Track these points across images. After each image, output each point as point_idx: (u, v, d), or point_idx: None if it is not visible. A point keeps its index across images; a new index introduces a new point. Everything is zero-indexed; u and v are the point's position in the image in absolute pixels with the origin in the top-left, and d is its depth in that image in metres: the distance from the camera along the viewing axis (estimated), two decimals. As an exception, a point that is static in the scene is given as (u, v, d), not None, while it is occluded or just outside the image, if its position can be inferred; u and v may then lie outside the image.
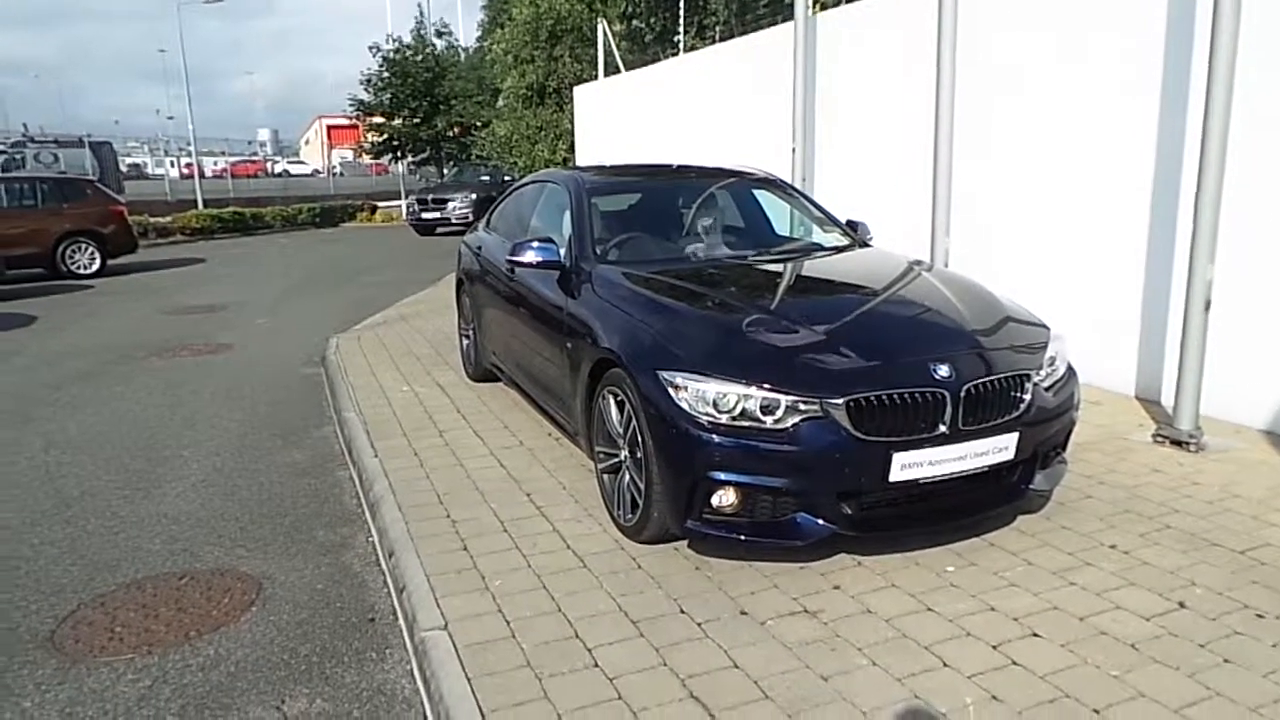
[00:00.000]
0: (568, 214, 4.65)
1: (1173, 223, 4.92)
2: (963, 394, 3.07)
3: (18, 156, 25.44)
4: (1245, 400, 4.64)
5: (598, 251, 4.34)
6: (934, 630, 2.78)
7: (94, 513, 4.28)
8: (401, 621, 3.12)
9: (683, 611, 2.93)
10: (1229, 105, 4.07)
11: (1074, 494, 3.82)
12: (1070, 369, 3.61)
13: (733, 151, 8.31)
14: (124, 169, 33.47)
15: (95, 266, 14.35)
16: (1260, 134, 4.42)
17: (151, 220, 21.37)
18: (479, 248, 5.93)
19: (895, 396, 3.02)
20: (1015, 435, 3.18)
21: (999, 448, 3.16)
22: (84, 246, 14.27)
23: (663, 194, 5.17)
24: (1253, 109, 4.38)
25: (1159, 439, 4.49)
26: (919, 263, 4.44)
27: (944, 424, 3.05)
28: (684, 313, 3.60)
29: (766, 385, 3.03)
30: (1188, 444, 4.36)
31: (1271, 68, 4.36)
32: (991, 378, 3.16)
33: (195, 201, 26.19)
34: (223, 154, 47.61)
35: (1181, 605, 2.89)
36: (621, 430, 3.49)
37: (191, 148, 29.92)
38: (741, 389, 3.03)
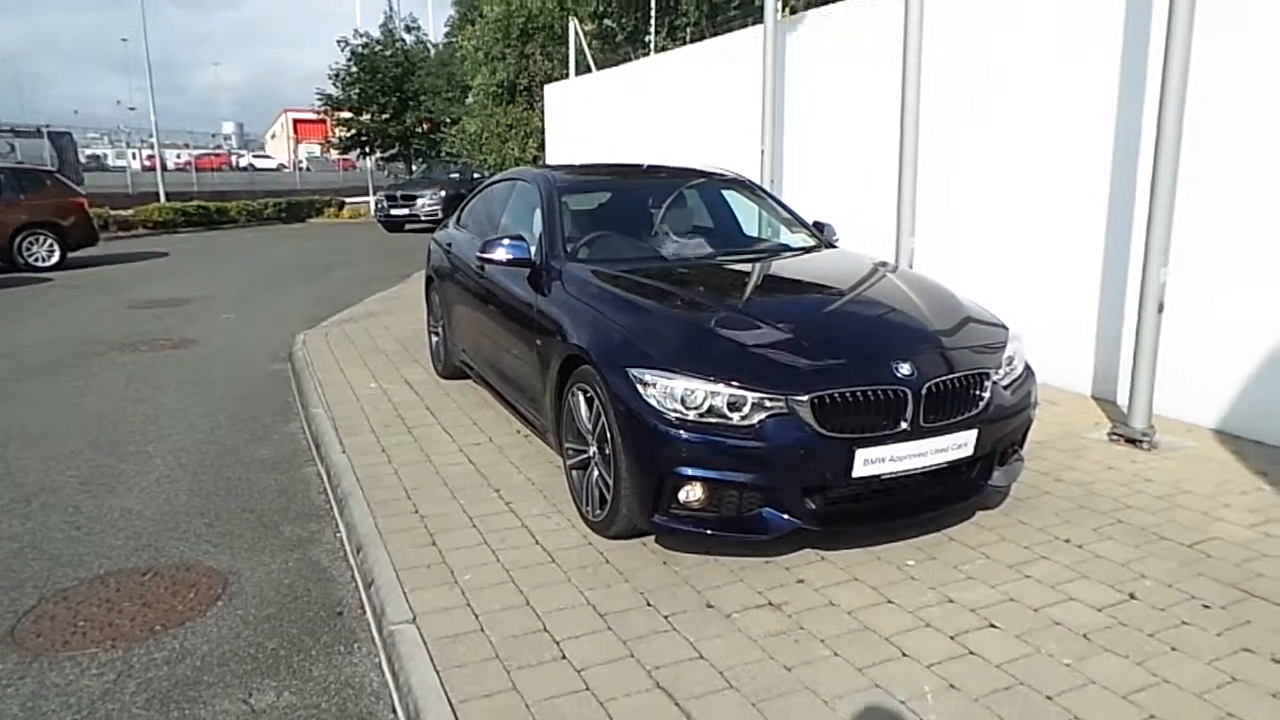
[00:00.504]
0: (538, 212, 4.67)
1: (1128, 227, 5.07)
2: (924, 392, 3.15)
3: (-27, 146, 24.84)
4: (1197, 400, 4.79)
5: (568, 249, 4.37)
6: (894, 622, 2.85)
7: (55, 507, 4.23)
8: (370, 615, 3.13)
9: (650, 605, 2.97)
10: (1181, 114, 4.20)
11: (1031, 490, 3.92)
12: (1028, 368, 3.71)
13: (703, 152, 8.37)
14: (83, 160, 32.77)
15: (54, 259, 14.08)
16: (1213, 142, 4.57)
17: (112, 213, 20.98)
18: (449, 245, 5.93)
19: (858, 394, 3.09)
20: (974, 432, 3.27)
21: (958, 444, 3.24)
22: (42, 238, 14.00)
23: (633, 193, 5.21)
24: (1205, 117, 4.51)
25: (1114, 437, 4.62)
26: (884, 264, 4.53)
27: (905, 421, 3.13)
28: (653, 311, 3.64)
29: (733, 382, 3.08)
30: (1141, 442, 4.49)
31: (1224, 75, 4.50)
32: (952, 376, 3.24)
33: (157, 194, 25.72)
34: (186, 147, 46.77)
35: (1132, 596, 2.99)
36: (590, 426, 3.52)
37: (154, 139, 29.37)
38: (709, 386, 3.08)
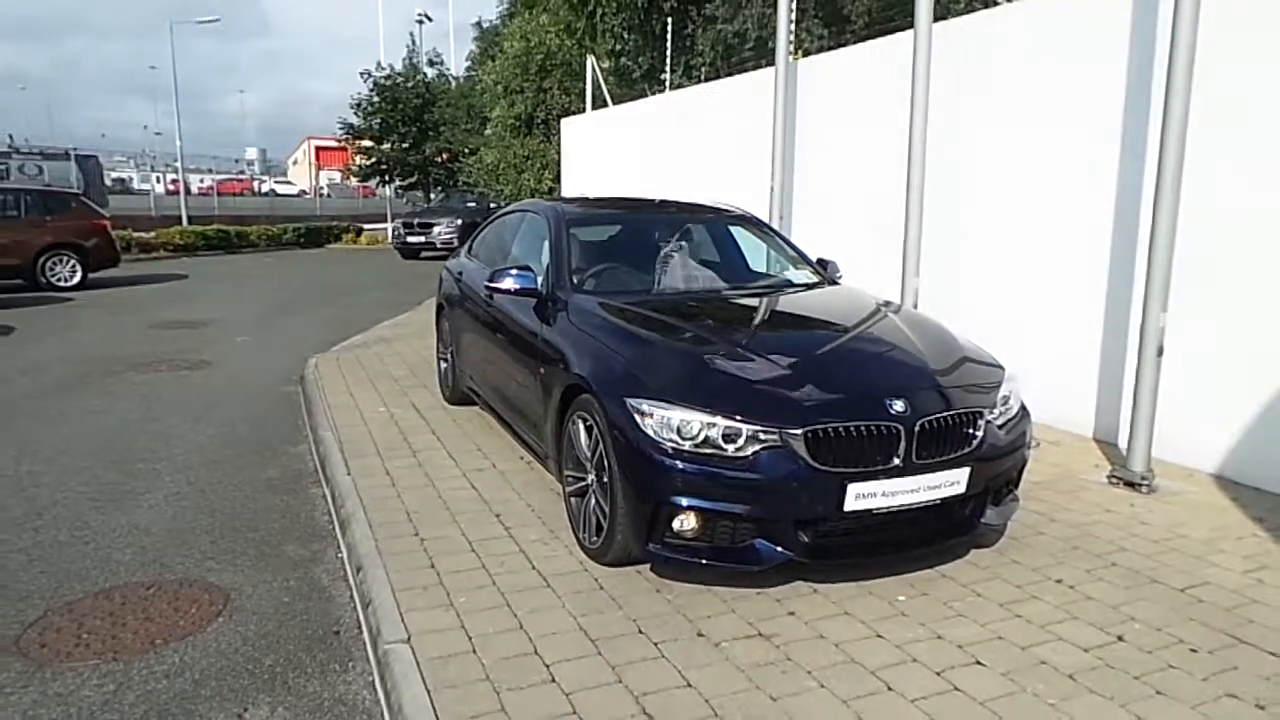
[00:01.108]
0: (546, 243, 4.78)
1: (1130, 271, 5.12)
2: (917, 428, 3.20)
3: (1, 168, 25.40)
4: (1197, 445, 4.80)
5: (574, 281, 4.46)
6: (882, 656, 2.88)
7: (65, 522, 4.31)
8: (366, 635, 3.18)
9: (641, 632, 3.01)
10: (1181, 160, 4.28)
11: (1027, 530, 3.94)
12: (1023, 408, 3.75)
13: (715, 188, 8.49)
14: (109, 183, 33.40)
15: (76, 279, 14.33)
16: (1213, 188, 4.63)
17: (135, 235, 21.34)
18: (460, 273, 6.05)
19: (851, 429, 3.14)
20: (967, 470, 3.31)
21: (951, 481, 3.28)
22: (65, 259, 14.26)
23: (641, 227, 5.31)
24: (1204, 164, 4.59)
25: (1113, 480, 4.64)
26: (885, 303, 4.60)
27: (898, 457, 3.18)
28: (653, 342, 3.72)
29: (729, 415, 3.15)
30: (1140, 485, 4.51)
31: (1224, 124, 4.57)
32: (945, 414, 3.29)
33: (180, 218, 26.21)
34: (210, 171, 47.61)
35: (1120, 639, 3.01)
36: (589, 454, 3.58)
37: (179, 164, 29.94)
38: (705, 417, 3.15)
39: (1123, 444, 5.08)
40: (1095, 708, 2.60)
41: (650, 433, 3.19)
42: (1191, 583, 3.45)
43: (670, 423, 3.17)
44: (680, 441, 3.16)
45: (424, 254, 20.47)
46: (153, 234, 22.33)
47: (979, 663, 2.84)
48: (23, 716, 2.71)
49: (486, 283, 4.65)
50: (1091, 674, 2.78)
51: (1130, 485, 4.54)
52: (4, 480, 4.94)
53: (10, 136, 35.09)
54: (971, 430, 3.37)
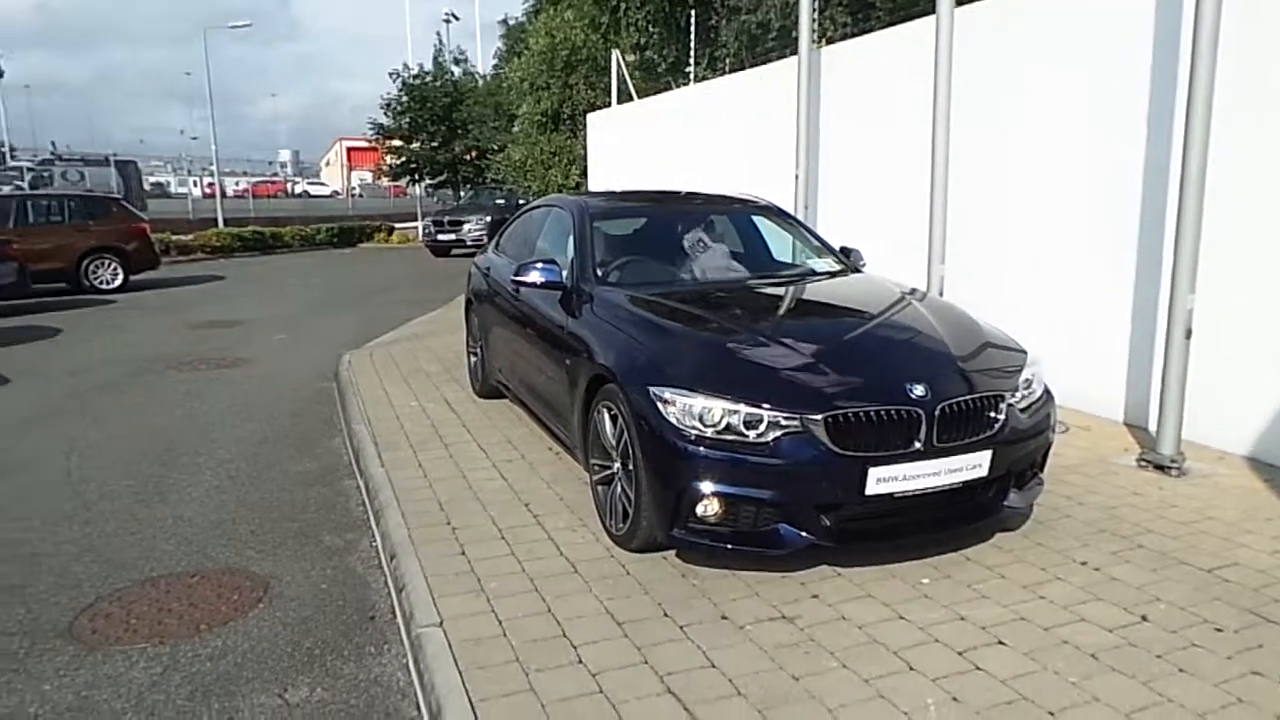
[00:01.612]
0: (571, 237, 4.85)
1: (1159, 254, 5.07)
2: (937, 412, 3.23)
3: (45, 174, 26.08)
4: (1229, 427, 4.76)
5: (599, 274, 4.53)
6: (904, 637, 2.91)
7: (112, 515, 4.48)
8: (400, 619, 3.28)
9: (666, 615, 3.08)
10: (1206, 145, 4.23)
11: (1053, 513, 3.94)
12: (1047, 391, 3.75)
13: (740, 178, 8.51)
14: (147, 187, 34.14)
15: (118, 282, 14.70)
16: (1240, 170, 4.58)
17: (173, 238, 21.80)
18: (488, 269, 6.14)
19: (871, 413, 3.18)
20: (989, 453, 3.32)
21: (973, 465, 3.30)
22: (107, 262, 14.63)
23: (665, 219, 5.36)
24: (1233, 145, 4.53)
25: (1142, 463, 4.61)
26: (907, 289, 4.61)
27: (919, 441, 3.21)
28: (676, 332, 3.78)
29: (750, 401, 3.19)
30: (1169, 468, 4.48)
31: (1248, 106, 4.52)
32: (966, 397, 3.31)
33: (216, 220, 26.72)
34: (244, 174, 48.50)
35: (1144, 619, 3.02)
36: (614, 443, 3.65)
37: (214, 167, 30.52)
38: (726, 404, 3.20)
39: (1153, 427, 5.04)
40: (1117, 685, 2.62)
41: (673, 420, 3.25)
42: (1219, 563, 3.43)
43: (692, 410, 3.23)
44: (703, 428, 3.21)
45: (454, 251, 20.67)
46: (190, 236, 22.80)
47: (1001, 643, 2.87)
48: (75, 696, 2.85)
49: (513, 277, 4.73)
50: (1114, 653, 2.80)
51: (1160, 468, 4.51)
52: (55, 475, 5.13)
53: (53, 144, 36.08)
54: (993, 414, 3.38)
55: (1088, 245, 5.56)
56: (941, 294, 5.75)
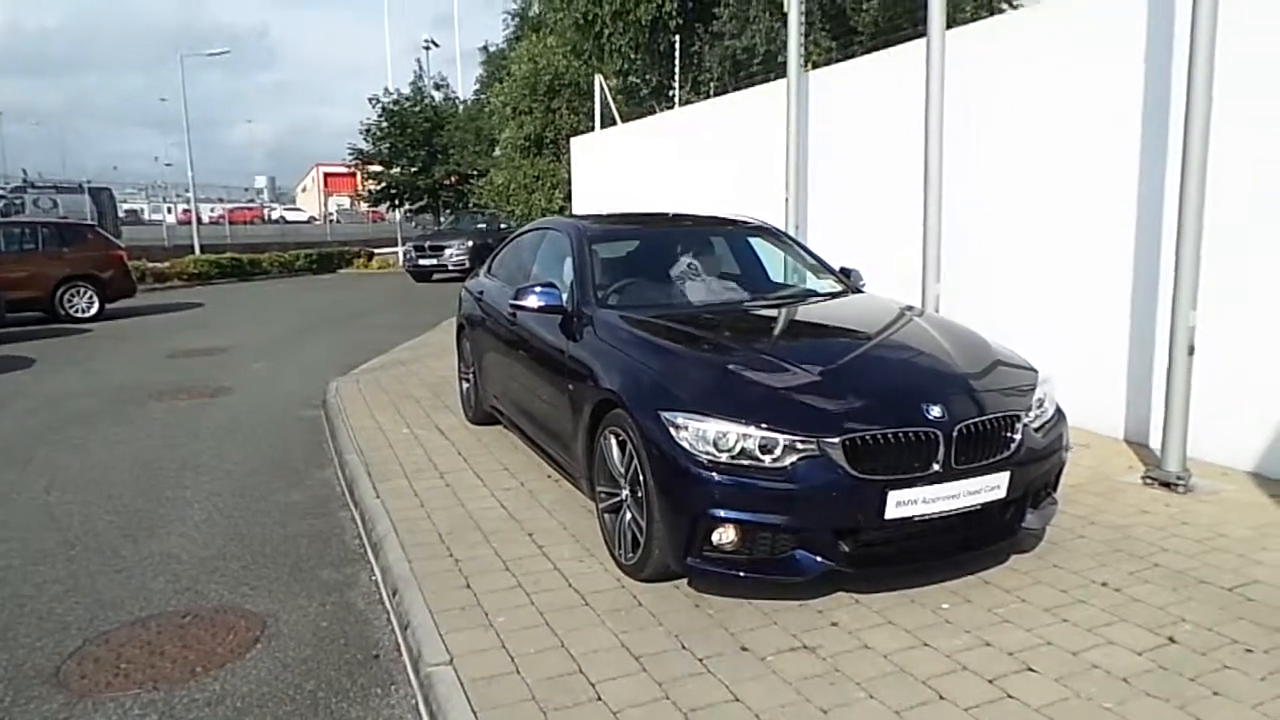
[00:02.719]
0: (569, 260, 4.78)
1: (1156, 270, 5.08)
2: (955, 434, 3.17)
3: (17, 201, 25.67)
4: (1232, 443, 4.74)
5: (599, 296, 4.45)
6: (930, 665, 2.83)
7: (96, 552, 4.31)
8: (406, 658, 3.16)
9: (684, 647, 2.98)
10: (1204, 158, 4.25)
11: (1065, 533, 3.89)
12: (1059, 410, 3.71)
13: (727, 201, 8.49)
14: (122, 215, 33.72)
15: (93, 310, 14.44)
16: (1241, 183, 4.59)
17: (149, 265, 21.52)
18: (480, 293, 6.05)
19: (890, 436, 3.11)
20: (1007, 474, 3.27)
21: (991, 486, 3.24)
22: (82, 290, 14.37)
23: (661, 241, 5.31)
24: (1230, 159, 4.55)
25: (1148, 481, 4.58)
26: (910, 308, 4.58)
27: (937, 463, 3.15)
28: (684, 355, 3.70)
29: (765, 425, 3.12)
30: (1176, 485, 4.45)
31: (1246, 120, 4.55)
32: (982, 418, 3.26)
33: (193, 247, 26.44)
34: (220, 200, 48.10)
35: (1171, 640, 2.96)
36: (623, 470, 3.56)
37: (190, 194, 30.22)
38: (741, 428, 3.12)
39: (1154, 444, 5.03)
40: (1153, 711, 2.55)
41: (685, 445, 3.17)
42: (1239, 581, 3.39)
43: (705, 435, 3.15)
44: (716, 453, 3.13)
45: (436, 276, 20.54)
46: (167, 264, 22.53)
47: (1030, 669, 2.79)
48: (68, 748, 2.70)
49: (511, 301, 4.64)
50: (1146, 677, 2.73)
51: (1166, 485, 4.48)
52: (35, 511, 4.95)
53: (24, 171, 35.54)
54: (1009, 434, 3.33)
55: (1084, 262, 5.56)
56: (938, 312, 5.73)
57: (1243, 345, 4.68)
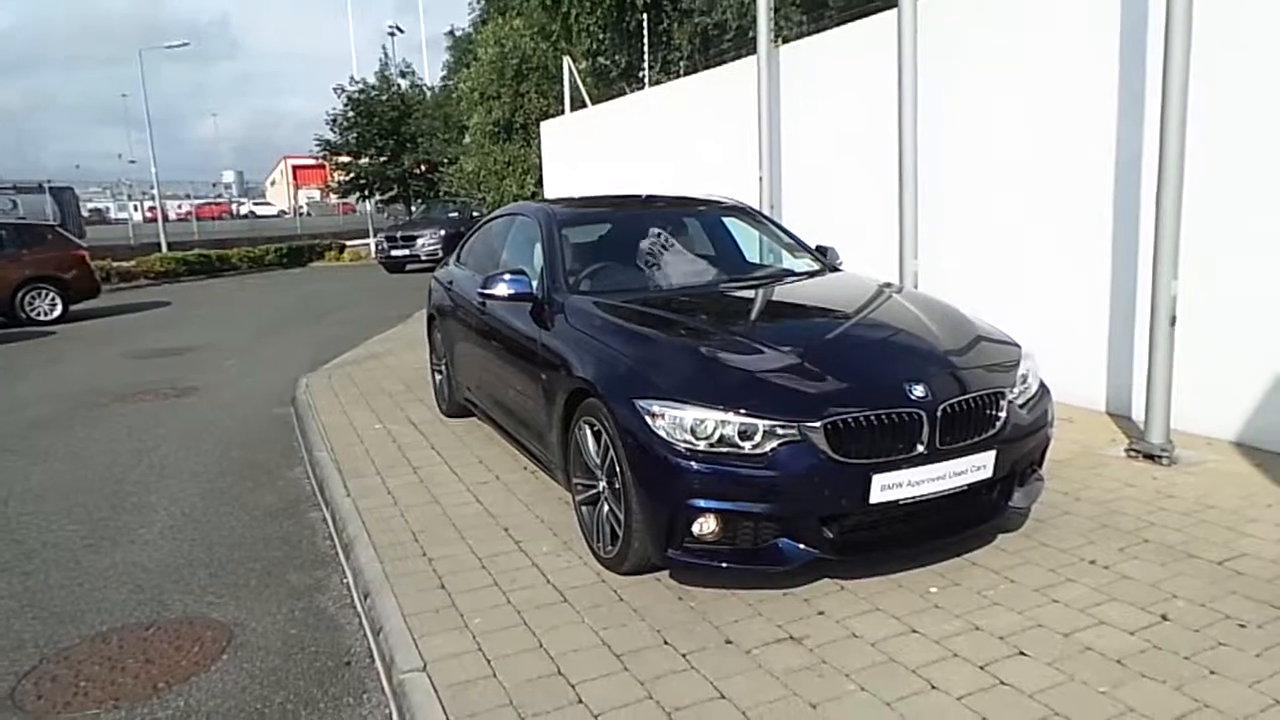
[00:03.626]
0: (538, 246, 4.64)
1: (1135, 241, 5.02)
2: (939, 414, 3.08)
3: (-25, 203, 25.03)
4: (1214, 413, 4.70)
5: (570, 282, 4.32)
6: (921, 653, 2.75)
7: (56, 564, 4.15)
8: (379, 664, 3.04)
9: (667, 643, 2.88)
10: (1184, 125, 4.17)
11: (1051, 511, 3.83)
12: (1043, 386, 3.64)
13: (701, 181, 8.37)
14: (86, 214, 33.03)
15: (56, 312, 14.11)
16: (1219, 152, 4.53)
17: (114, 264, 21.10)
18: (450, 283, 5.90)
19: (872, 418, 3.02)
20: (993, 453, 3.19)
21: (977, 466, 3.16)
22: (44, 292, 14.04)
23: (633, 224, 5.16)
24: (1209, 127, 4.48)
25: (1132, 454, 4.53)
26: (889, 285, 4.49)
27: (922, 444, 3.06)
28: (659, 341, 3.58)
29: (743, 410, 3.02)
30: (1160, 458, 4.41)
31: (1224, 85, 4.48)
32: (967, 396, 3.17)
33: (159, 245, 25.95)
34: (187, 197, 47.10)
35: (1164, 618, 2.90)
36: (599, 461, 3.45)
37: (155, 191, 29.63)
38: (719, 415, 3.02)
39: (1136, 417, 4.99)
40: (1150, 693, 2.48)
41: (663, 434, 3.06)
42: (1228, 555, 3.34)
43: (683, 423, 3.04)
44: (694, 441, 3.02)
45: (409, 267, 20.29)
46: (133, 262, 22.10)
47: (1022, 653, 2.72)
48: (21, 775, 2.56)
49: (479, 290, 4.50)
50: (1140, 657, 2.66)
51: (1150, 458, 4.44)
52: (-9, 523, 4.77)
53: (-18, 172, 34.69)
54: (994, 412, 3.25)
55: (1063, 236, 5.49)
56: (916, 289, 5.64)
57: (1223, 313, 4.62)
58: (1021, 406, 3.41)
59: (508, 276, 4.32)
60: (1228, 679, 2.54)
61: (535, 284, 4.34)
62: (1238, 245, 4.54)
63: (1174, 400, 4.45)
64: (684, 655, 2.80)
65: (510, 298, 4.29)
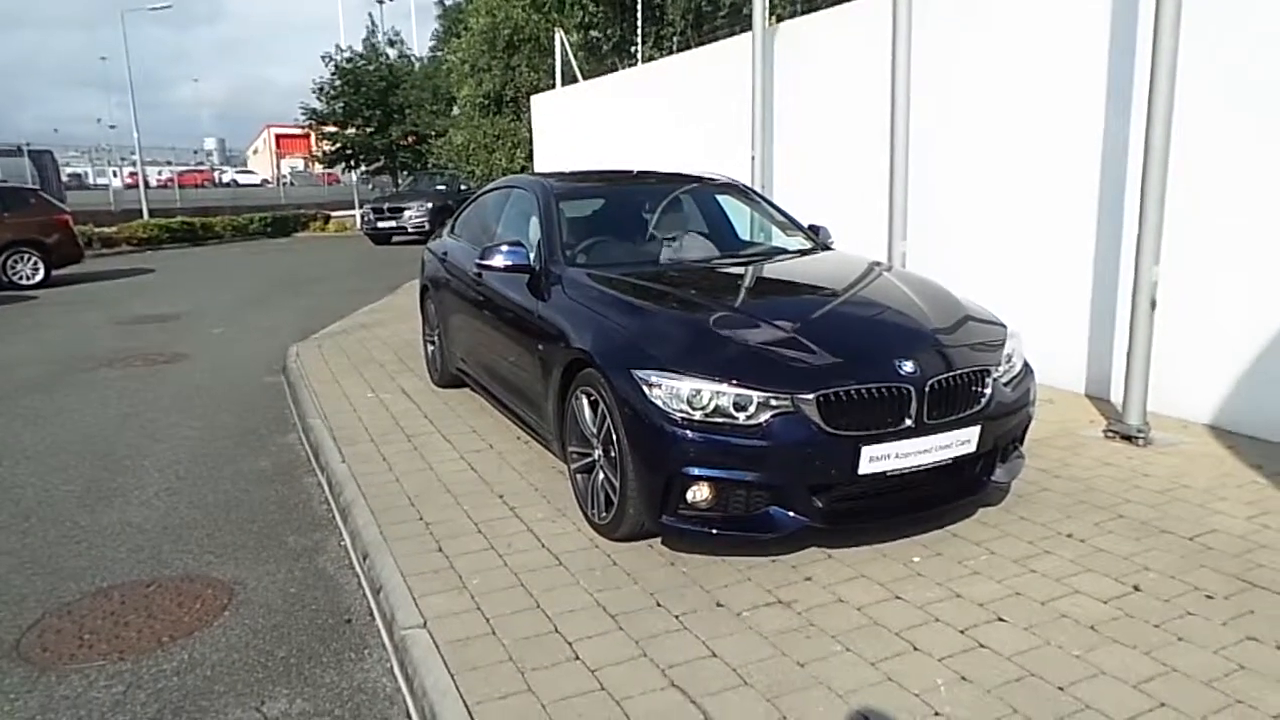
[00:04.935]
0: (535, 218, 4.69)
1: (1118, 226, 5.13)
2: (927, 389, 3.18)
3: (-48, 166, 24.63)
4: (1190, 396, 4.84)
5: (567, 255, 4.38)
6: (904, 617, 2.87)
7: (53, 522, 4.19)
8: (379, 622, 3.12)
9: (659, 605, 2.98)
10: (1170, 112, 4.27)
11: (1031, 487, 3.95)
12: (1027, 365, 3.75)
13: (691, 158, 8.41)
14: (65, 179, 32.54)
15: (39, 277, 13.99)
16: (1202, 139, 4.63)
17: (96, 230, 20.85)
18: (444, 254, 5.93)
19: (863, 391, 3.11)
20: (977, 429, 3.30)
21: (961, 441, 3.27)
22: (27, 257, 13.91)
23: (631, 198, 5.24)
24: (1194, 115, 4.58)
25: (1110, 434, 4.66)
26: (879, 264, 4.57)
27: (910, 418, 3.16)
28: (656, 313, 3.66)
29: (739, 382, 3.10)
30: (1137, 438, 4.54)
31: (1209, 76, 4.57)
32: (954, 373, 3.27)
33: (140, 211, 25.63)
34: (168, 163, 46.44)
35: (1136, 589, 3.02)
36: (595, 429, 3.53)
37: (136, 156, 29.23)
38: (715, 386, 3.10)
39: (1115, 399, 5.12)
40: (1120, 657, 2.60)
41: (659, 404, 3.14)
42: (1199, 530, 3.47)
43: (679, 393, 3.12)
44: (690, 411, 3.11)
45: (395, 239, 20.20)
46: (114, 229, 21.84)
47: (1001, 619, 2.84)
48: (31, 721, 2.63)
49: (477, 261, 4.55)
50: (1113, 624, 2.79)
51: (1127, 439, 4.57)
52: (-15, 483, 4.80)
53: (-42, 134, 34.05)
54: (979, 389, 3.36)
55: (1048, 221, 5.59)
56: (904, 268, 5.74)
57: (1201, 299, 4.75)
58: (1006, 385, 3.52)
59: (505, 248, 4.37)
60: (1194, 646, 2.66)
61: (532, 256, 4.39)
62: (1215, 234, 4.66)
63: (1151, 383, 4.58)
64: (677, 616, 2.90)
65: (508, 269, 4.35)
